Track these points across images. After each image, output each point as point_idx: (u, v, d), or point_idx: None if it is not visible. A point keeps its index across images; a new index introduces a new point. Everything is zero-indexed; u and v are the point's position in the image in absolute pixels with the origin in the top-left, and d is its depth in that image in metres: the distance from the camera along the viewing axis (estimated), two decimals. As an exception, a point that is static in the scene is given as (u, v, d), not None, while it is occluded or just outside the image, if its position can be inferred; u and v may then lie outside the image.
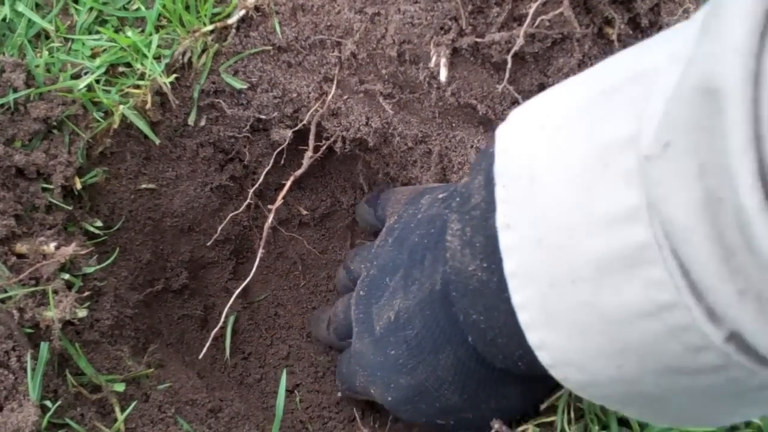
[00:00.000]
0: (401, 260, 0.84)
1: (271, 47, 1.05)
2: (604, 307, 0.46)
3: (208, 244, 1.19)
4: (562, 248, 0.48)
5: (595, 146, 0.46)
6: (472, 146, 0.99)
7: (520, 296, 0.53)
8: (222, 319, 1.06)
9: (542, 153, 0.51)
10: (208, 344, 1.03)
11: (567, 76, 0.90)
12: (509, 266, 0.53)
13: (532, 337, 0.53)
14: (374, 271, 0.90)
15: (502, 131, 0.57)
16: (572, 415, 0.83)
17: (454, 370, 0.76)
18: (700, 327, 0.41)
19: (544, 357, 0.53)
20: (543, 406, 0.83)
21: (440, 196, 0.87)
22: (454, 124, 1.02)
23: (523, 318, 0.53)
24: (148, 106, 1.01)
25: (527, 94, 0.94)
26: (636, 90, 0.45)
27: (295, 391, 1.23)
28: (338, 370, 1.10)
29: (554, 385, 0.83)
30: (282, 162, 1.13)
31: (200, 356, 1.07)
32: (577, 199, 0.47)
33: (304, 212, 1.28)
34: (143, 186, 1.08)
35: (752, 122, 0.35)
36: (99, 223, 1.01)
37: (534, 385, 0.80)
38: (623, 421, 0.83)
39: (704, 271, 0.39)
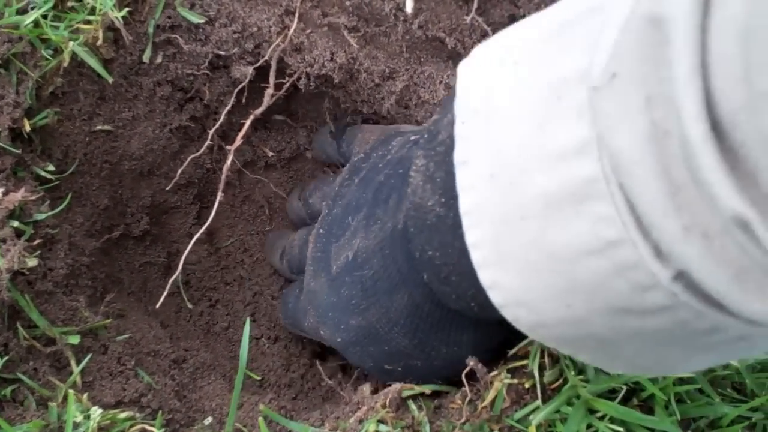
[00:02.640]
0: (365, 200, 0.83)
1: (228, -22, 0.99)
2: (552, 245, 0.45)
3: (168, 188, 1.14)
4: (513, 184, 0.47)
5: (552, 80, 0.44)
6: (441, 81, 0.95)
7: (473, 235, 0.52)
8: (180, 266, 1.02)
9: (499, 88, 0.49)
10: (166, 292, 0.99)
11: (539, 7, 0.86)
12: (464, 204, 0.52)
13: (484, 277, 0.52)
14: (337, 209, 0.89)
15: (463, 68, 0.55)
16: (546, 359, 0.81)
17: (407, 312, 0.76)
18: (647, 265, 0.40)
19: (495, 297, 0.52)
20: (512, 352, 0.81)
21: (412, 138, 0.85)
22: (422, 59, 0.97)
23: (476, 257, 0.52)
24: (100, 42, 0.96)
25: (497, 26, 0.90)
26: (594, 21, 0.43)
27: (262, 339, 1.20)
28: (283, 303, 1.09)
29: (507, 336, 0.81)
30: (244, 101, 1.08)
31: (158, 305, 1.03)
32: (530, 134, 0.45)
33: (270, 153, 1.24)
34: (98, 127, 1.03)
35: (698, 51, 0.34)
36: (51, 167, 0.96)
37: (487, 333, 0.79)
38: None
39: (650, 206, 0.38)
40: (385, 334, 0.80)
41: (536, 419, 0.78)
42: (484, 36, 0.91)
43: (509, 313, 0.52)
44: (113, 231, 1.09)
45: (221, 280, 1.25)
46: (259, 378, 1.12)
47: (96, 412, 0.77)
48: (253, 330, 1.21)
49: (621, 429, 0.77)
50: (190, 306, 1.18)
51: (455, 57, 0.95)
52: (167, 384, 0.93)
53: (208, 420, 0.88)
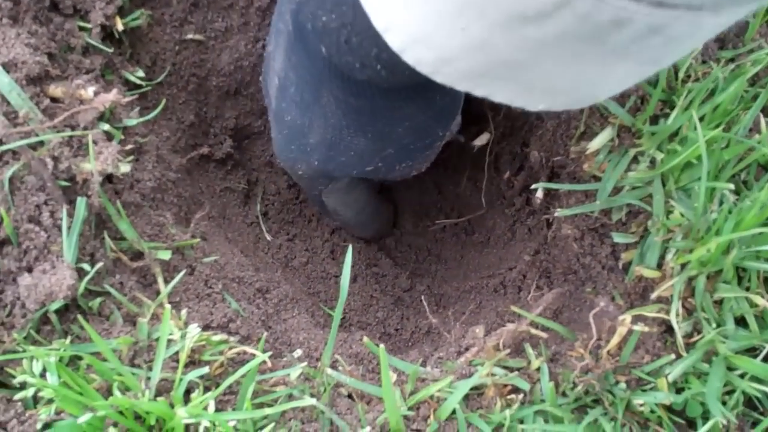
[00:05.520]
0: (273, 26, 0.85)
1: None
2: None
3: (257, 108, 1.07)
4: None
5: None
6: None
7: None
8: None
9: None
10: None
11: None
12: None
13: (379, 21, 0.51)
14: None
15: None
16: (680, 311, 0.73)
17: (341, 111, 0.80)
18: None
19: (393, 40, 0.51)
20: (654, 295, 0.74)
21: None
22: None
23: (367, 2, 0.51)
24: (200, -61, 0.89)
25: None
26: None
27: (342, 277, 1.13)
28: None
29: (453, 98, 0.85)
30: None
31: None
32: None
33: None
34: (189, 36, 0.96)
35: None
36: (141, 73, 0.89)
37: (423, 97, 0.81)
38: (740, 321, 0.74)
39: None
40: (340, 141, 0.83)
41: (672, 374, 0.71)
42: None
43: (411, 57, 0.51)
44: (198, 149, 1.02)
45: (300, 214, 1.18)
46: (341, 316, 1.06)
47: (194, 330, 0.70)
48: (332, 267, 1.14)
49: (765, 388, 0.70)
50: (269, 238, 1.11)
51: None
52: (254, 312, 0.87)
53: (298, 352, 0.81)
